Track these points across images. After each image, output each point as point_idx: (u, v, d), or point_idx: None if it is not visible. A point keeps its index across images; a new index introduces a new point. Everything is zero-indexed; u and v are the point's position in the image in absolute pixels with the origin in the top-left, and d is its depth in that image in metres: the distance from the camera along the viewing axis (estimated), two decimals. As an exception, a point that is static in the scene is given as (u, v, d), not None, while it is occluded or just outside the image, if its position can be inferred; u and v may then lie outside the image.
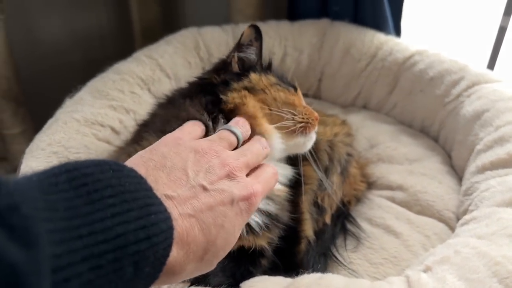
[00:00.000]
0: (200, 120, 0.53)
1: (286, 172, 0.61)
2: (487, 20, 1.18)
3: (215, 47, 1.04)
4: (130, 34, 1.54)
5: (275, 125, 0.57)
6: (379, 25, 1.10)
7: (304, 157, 0.64)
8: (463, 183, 0.79)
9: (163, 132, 0.50)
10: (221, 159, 0.43)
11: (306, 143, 0.61)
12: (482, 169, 0.73)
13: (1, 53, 1.24)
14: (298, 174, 0.63)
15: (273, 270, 0.62)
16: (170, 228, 0.34)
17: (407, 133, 0.98)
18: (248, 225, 0.55)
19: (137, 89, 0.86)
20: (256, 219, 0.55)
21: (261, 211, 0.56)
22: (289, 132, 0.58)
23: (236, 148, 0.49)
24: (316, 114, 0.62)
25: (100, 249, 0.28)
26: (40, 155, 0.65)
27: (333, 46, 1.08)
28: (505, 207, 0.62)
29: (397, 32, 1.14)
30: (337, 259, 0.67)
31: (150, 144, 0.44)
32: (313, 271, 0.60)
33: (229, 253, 0.55)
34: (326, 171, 0.68)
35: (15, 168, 1.43)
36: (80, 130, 0.71)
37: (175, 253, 0.35)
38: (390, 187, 0.82)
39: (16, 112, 1.34)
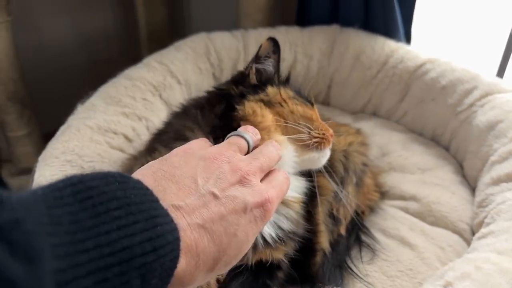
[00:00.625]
0: (209, 134, 0.52)
1: (300, 184, 0.60)
2: (496, 26, 1.18)
3: (225, 53, 1.03)
4: (135, 36, 1.53)
5: (289, 137, 0.56)
6: (389, 32, 1.09)
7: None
8: (476, 194, 0.79)
9: (175, 142, 0.50)
10: (232, 164, 0.41)
11: (320, 158, 0.60)
12: (498, 181, 0.73)
13: (7, 55, 1.23)
14: (313, 185, 0.62)
15: (290, 282, 0.61)
16: (177, 239, 0.33)
17: (418, 141, 0.97)
18: (264, 239, 0.54)
19: (149, 96, 0.85)
20: (272, 233, 0.55)
21: (277, 225, 0.55)
22: (304, 146, 0.57)
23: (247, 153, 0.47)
24: (331, 131, 0.61)
25: (106, 263, 0.28)
26: (54, 164, 0.65)
27: (343, 52, 1.08)
28: (523, 221, 0.62)
29: (407, 39, 1.13)
30: (352, 271, 0.66)
31: (162, 155, 0.43)
32: (329, 284, 0.60)
33: (247, 268, 0.55)
34: (342, 181, 0.67)
35: (20, 170, 1.42)
36: (93, 138, 0.71)
37: (184, 264, 0.34)
38: (403, 197, 0.82)
39: (22, 114, 1.34)
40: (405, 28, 1.12)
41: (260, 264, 0.56)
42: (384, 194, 0.83)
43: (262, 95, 0.58)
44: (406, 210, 0.79)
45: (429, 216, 0.77)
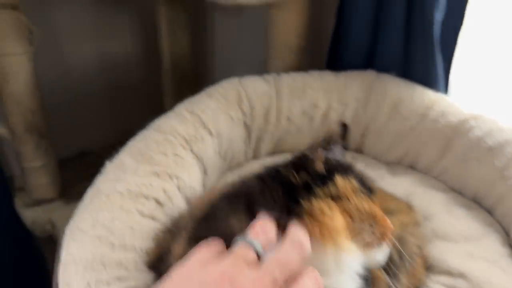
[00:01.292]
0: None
1: (354, 285, 0.53)
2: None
3: (257, 99, 0.98)
4: (157, 64, 1.51)
5: (354, 240, 0.49)
6: (428, 82, 1.04)
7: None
8: (530, 273, 0.73)
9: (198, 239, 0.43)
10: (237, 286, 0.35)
11: (380, 257, 0.54)
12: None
13: (28, 87, 1.20)
14: (366, 278, 0.57)
15: None
16: None
17: (460, 203, 0.92)
18: None
19: (180, 151, 0.80)
20: None
21: None
22: (365, 246, 0.51)
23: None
24: (391, 225, 0.54)
25: None
26: (83, 240, 0.60)
27: (380, 101, 1.03)
28: None
29: (446, 90, 1.08)
30: None
31: (181, 249, 0.42)
32: None
33: None
34: (395, 268, 0.62)
35: (35, 201, 1.38)
36: (124, 206, 0.66)
37: None
38: (450, 273, 0.76)
39: (39, 145, 1.31)
40: (444, 78, 1.07)
41: None
42: (429, 268, 0.77)
43: (331, 188, 0.50)
44: (455, 290, 0.73)
45: (481, 299, 0.71)
